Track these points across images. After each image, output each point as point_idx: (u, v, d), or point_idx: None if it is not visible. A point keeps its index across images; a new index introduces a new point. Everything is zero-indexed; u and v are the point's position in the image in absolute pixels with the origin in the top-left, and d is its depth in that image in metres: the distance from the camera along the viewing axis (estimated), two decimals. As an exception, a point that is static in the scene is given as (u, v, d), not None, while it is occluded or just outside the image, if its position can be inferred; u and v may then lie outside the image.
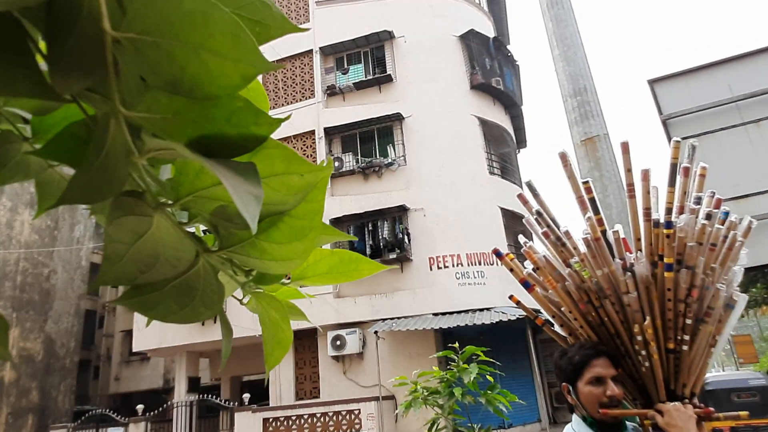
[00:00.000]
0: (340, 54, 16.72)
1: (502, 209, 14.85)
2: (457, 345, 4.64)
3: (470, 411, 4.75)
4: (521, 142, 19.57)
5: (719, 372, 15.30)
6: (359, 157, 15.34)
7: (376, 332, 12.54)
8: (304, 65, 16.63)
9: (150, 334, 15.46)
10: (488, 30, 17.86)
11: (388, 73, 15.77)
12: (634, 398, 1.71)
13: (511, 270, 1.96)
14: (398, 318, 13.06)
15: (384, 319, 13.13)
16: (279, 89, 16.77)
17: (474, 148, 15.30)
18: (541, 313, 2.06)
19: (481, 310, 12.93)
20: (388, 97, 15.64)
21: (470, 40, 16.43)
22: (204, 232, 0.61)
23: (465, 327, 11.67)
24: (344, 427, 11.73)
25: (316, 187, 0.49)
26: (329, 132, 15.61)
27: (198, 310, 0.49)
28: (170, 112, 0.40)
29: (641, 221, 1.69)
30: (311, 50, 16.62)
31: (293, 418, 12.17)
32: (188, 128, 0.42)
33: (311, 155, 15.54)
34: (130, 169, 0.41)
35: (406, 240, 13.85)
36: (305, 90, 16.54)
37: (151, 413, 13.86)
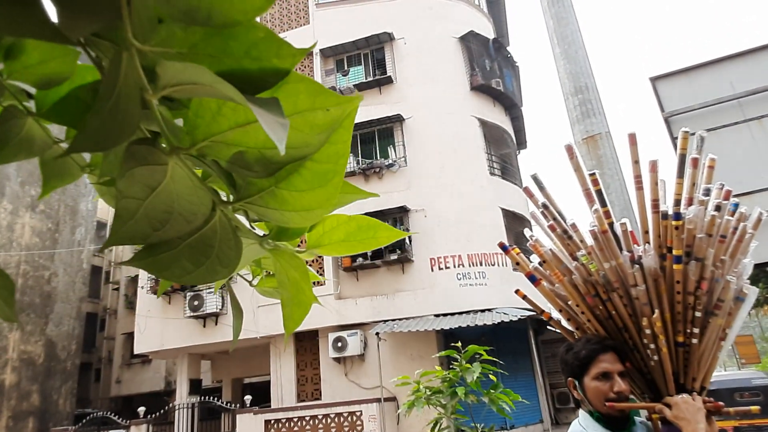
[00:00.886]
0: (341, 56, 16.73)
1: (503, 210, 14.83)
2: (459, 344, 4.62)
3: (473, 411, 4.72)
4: (521, 143, 19.56)
5: (721, 372, 15.27)
6: (360, 158, 15.33)
7: (377, 333, 12.51)
8: (304, 67, 16.63)
9: (151, 336, 15.44)
10: (488, 31, 17.87)
11: (388, 74, 15.77)
12: (642, 392, 1.69)
13: (518, 264, 1.94)
14: (399, 319, 13.03)
15: (385, 321, 13.10)
16: (279, 91, 16.76)
17: (474, 149, 15.29)
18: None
19: (483, 310, 12.90)
20: (388, 98, 15.64)
21: (470, 41, 16.43)
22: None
23: (466, 328, 11.63)
24: (346, 429, 11.69)
25: (341, 126, 0.46)
26: (330, 133, 15.59)
27: (214, 269, 0.47)
28: (186, 45, 0.38)
29: (649, 213, 1.67)
30: (311, 52, 16.62)
31: (295, 419, 12.13)
32: (206, 63, 0.39)
33: (312, 157, 15.50)
34: (144, 112, 0.39)
35: (407, 241, 13.83)
36: (305, 91, 16.52)
37: (153, 416, 13.82)
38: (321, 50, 16.48)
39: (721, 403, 1.53)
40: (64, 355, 21.54)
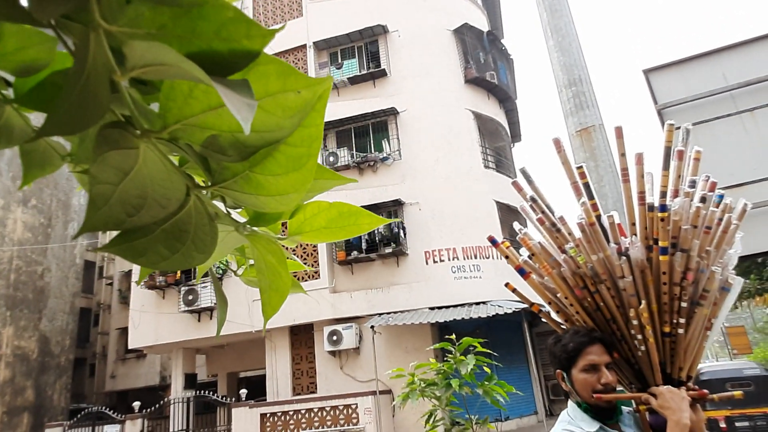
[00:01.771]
0: (334, 49, 16.65)
1: (498, 203, 14.87)
2: (454, 337, 4.64)
3: (467, 402, 4.76)
4: (516, 135, 19.58)
5: (714, 362, 15.43)
6: (354, 151, 15.30)
7: (372, 327, 12.55)
8: (298, 60, 16.54)
9: (146, 331, 15.43)
10: (482, 24, 17.83)
11: (382, 67, 15.72)
12: (630, 383, 1.71)
13: (507, 257, 1.95)
14: (394, 312, 13.07)
15: (380, 314, 13.14)
16: (273, 84, 16.68)
17: (469, 142, 15.29)
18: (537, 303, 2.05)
19: (478, 303, 12.96)
20: (382, 91, 15.60)
21: (464, 34, 16.39)
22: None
23: (461, 321, 11.69)
24: (341, 422, 11.75)
25: (314, 109, 0.46)
26: (324, 127, 15.53)
27: (190, 254, 0.47)
28: (155, 26, 0.37)
29: (636, 205, 1.68)
30: (305, 45, 16.53)
31: (290, 413, 12.18)
32: (175, 44, 0.39)
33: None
34: (115, 96, 0.39)
35: (402, 234, 13.85)
36: (299, 85, 16.45)
37: (148, 410, 13.83)
38: (314, 43, 16.39)
39: (705, 390, 1.55)
40: (57, 351, 21.49)
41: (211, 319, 14.84)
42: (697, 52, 4.85)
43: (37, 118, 0.58)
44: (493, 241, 1.97)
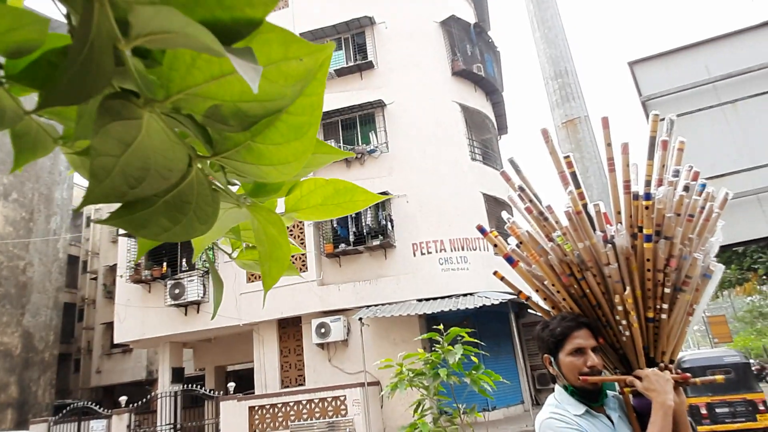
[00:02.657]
0: (320, 40, 16.52)
1: (484, 195, 14.95)
2: (441, 327, 4.69)
3: (455, 392, 4.81)
4: (502, 128, 19.67)
5: (695, 351, 15.76)
6: (341, 144, 15.26)
7: (360, 319, 12.59)
8: (284, 51, 16.40)
9: (131, 325, 15.31)
10: (469, 16, 17.83)
11: (369, 59, 15.66)
12: (614, 367, 1.75)
13: (495, 246, 1.98)
14: (382, 304, 13.12)
15: (368, 306, 13.19)
16: (259, 76, 16.53)
17: (456, 135, 15.34)
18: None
19: (465, 295, 13.06)
20: (369, 83, 15.55)
21: (451, 26, 16.38)
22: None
23: (449, 312, 11.78)
24: (330, 414, 11.80)
25: (315, 78, 0.46)
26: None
27: (192, 225, 0.47)
28: None
29: (621, 194, 1.72)
30: (291, 36, 16.37)
31: (279, 405, 12.20)
32: None
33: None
34: (117, 69, 0.39)
35: (389, 226, 13.88)
36: (285, 77, 16.34)
37: (135, 405, 13.76)
38: (300, 34, 16.26)
39: (688, 374, 1.59)
40: (41, 346, 21.23)
41: (198, 312, 14.77)
42: (681, 44, 4.91)
43: (28, 103, 0.58)
44: (482, 230, 2.00)
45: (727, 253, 21.30)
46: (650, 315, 1.65)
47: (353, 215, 14.23)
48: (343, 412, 11.71)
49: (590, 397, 1.63)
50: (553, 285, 1.80)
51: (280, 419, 12.07)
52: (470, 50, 16.76)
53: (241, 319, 14.24)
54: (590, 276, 1.71)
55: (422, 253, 13.77)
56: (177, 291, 14.49)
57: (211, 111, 0.45)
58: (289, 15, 16.43)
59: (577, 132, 4.55)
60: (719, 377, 1.64)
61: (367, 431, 11.55)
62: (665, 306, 1.64)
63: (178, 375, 15.71)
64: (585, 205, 1.73)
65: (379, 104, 15.16)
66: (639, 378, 1.58)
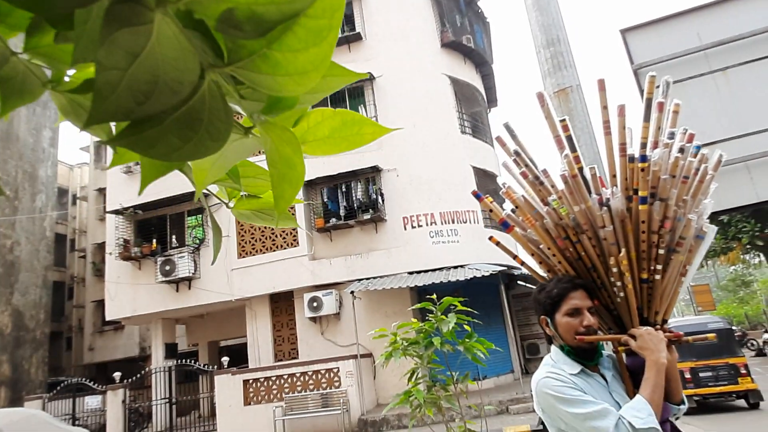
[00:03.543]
0: (307, 11, 16.17)
1: (474, 168, 14.95)
2: (435, 296, 4.74)
3: (449, 361, 4.89)
4: (492, 101, 19.56)
5: (680, 318, 16.16)
6: (330, 118, 15.10)
7: (352, 292, 12.68)
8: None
9: (123, 302, 15.29)
10: (458, -15, 17.51)
11: (357, 31, 15.39)
12: (609, 328, 1.79)
13: (491, 211, 1.98)
14: (374, 278, 13.21)
15: (360, 279, 13.27)
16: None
17: (445, 108, 15.23)
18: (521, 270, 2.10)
19: (456, 267, 13.18)
20: (358, 56, 15.31)
21: (440, -5, 16.10)
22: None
23: (440, 284, 11.90)
24: (324, 385, 11.98)
25: None
26: (299, 93, 15.27)
27: (204, 143, 0.45)
28: None
29: (617, 157, 1.72)
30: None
31: (273, 378, 12.35)
32: None
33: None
34: None
35: (380, 200, 13.87)
36: (272, 49, 16.03)
37: (129, 380, 13.85)
38: (287, 5, 15.89)
39: (681, 333, 1.63)
40: (32, 325, 21.18)
41: (189, 289, 14.77)
42: (673, 11, 4.87)
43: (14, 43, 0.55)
44: (477, 196, 2.00)
45: (713, 223, 21.67)
46: (644, 276, 1.68)
47: (344, 189, 14.19)
48: (336, 384, 11.89)
49: (586, 356, 1.67)
50: (548, 249, 1.81)
51: (275, 392, 12.24)
52: (459, 21, 16.53)
53: (233, 295, 14.28)
54: (585, 239, 1.73)
55: (413, 227, 13.82)
56: (168, 268, 14.45)
57: (226, 15, 0.42)
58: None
59: (569, 101, 4.54)
60: (711, 335, 1.68)
61: (361, 402, 11.76)
62: (659, 267, 1.66)
63: (171, 351, 15.80)
64: (581, 169, 1.73)
65: (368, 77, 14.96)
66: (633, 337, 1.61)
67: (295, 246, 14.24)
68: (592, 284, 1.75)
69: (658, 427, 1.45)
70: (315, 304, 13.38)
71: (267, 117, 0.53)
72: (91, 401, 14.14)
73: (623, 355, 1.71)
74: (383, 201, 13.93)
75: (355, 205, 13.97)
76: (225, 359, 13.02)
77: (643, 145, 1.67)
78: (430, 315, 4.61)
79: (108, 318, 15.81)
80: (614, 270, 1.68)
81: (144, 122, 0.42)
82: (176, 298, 14.83)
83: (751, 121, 4.49)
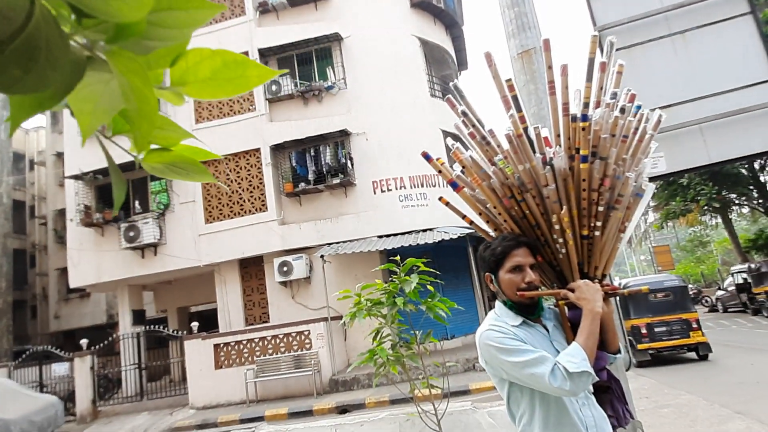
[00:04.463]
0: (272, -33, 15.53)
1: (444, 131, 14.94)
2: (399, 258, 4.80)
3: (412, 320, 5.00)
4: (462, 63, 19.39)
5: (639, 276, 16.84)
6: (297, 80, 14.75)
7: (322, 256, 12.72)
8: (233, -21, 15.38)
9: (86, 269, 14.98)
10: (428, -58, 17.02)
11: (324, -12, 14.90)
12: (552, 283, 1.85)
13: (440, 172, 2.00)
14: (344, 242, 13.25)
15: (329, 244, 13.30)
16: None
17: (415, 70, 15.05)
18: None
19: (425, 230, 13.32)
20: (325, 15, 14.87)
21: (410, -48, 15.64)
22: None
23: (409, 247, 12.03)
24: (295, 348, 12.13)
25: None
26: (264, 53, 14.81)
27: (45, 74, 0.44)
28: None
29: (560, 116, 1.75)
30: (240, -38, 15.33)
31: (244, 342, 12.43)
32: None
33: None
34: None
35: (349, 164, 13.78)
36: (234, 6, 15.42)
37: (97, 347, 13.72)
38: (250, -40, 15.21)
39: (616, 285, 1.70)
40: (-6, 294, 20.61)
41: (155, 255, 14.55)
42: (635, -28, 4.86)
43: None
44: (426, 157, 2.01)
45: (673, 186, 22.34)
46: (585, 233, 1.74)
47: (312, 153, 14.01)
48: (307, 346, 12.06)
49: (528, 311, 1.73)
50: (494, 208, 1.85)
51: (246, 355, 12.34)
52: (429, -20, 16.15)
53: (201, 261, 14.15)
54: (530, 197, 1.76)
55: (382, 191, 13.82)
56: (132, 234, 14.16)
57: None
58: (236, -62, 15.26)
59: (532, 63, 4.53)
60: (644, 287, 1.76)
61: (332, 363, 11.99)
62: (599, 224, 1.72)
63: (139, 317, 15.66)
64: (526, 129, 1.75)
65: (336, 38, 14.60)
66: (572, 290, 1.68)
67: (264, 211, 14.11)
68: (535, 242, 1.80)
69: (591, 371, 1.53)
70: (285, 269, 13.40)
71: (112, 46, 0.50)
72: (59, 368, 14.00)
73: (565, 308, 1.79)
74: (353, 165, 13.85)
75: (325, 170, 13.85)
76: (195, 324, 13.00)
77: (586, 105, 1.69)
78: (394, 276, 4.68)
79: (72, 285, 15.50)
80: (556, 227, 1.73)
81: None
82: (142, 264, 14.60)
83: (706, 84, 4.59)
